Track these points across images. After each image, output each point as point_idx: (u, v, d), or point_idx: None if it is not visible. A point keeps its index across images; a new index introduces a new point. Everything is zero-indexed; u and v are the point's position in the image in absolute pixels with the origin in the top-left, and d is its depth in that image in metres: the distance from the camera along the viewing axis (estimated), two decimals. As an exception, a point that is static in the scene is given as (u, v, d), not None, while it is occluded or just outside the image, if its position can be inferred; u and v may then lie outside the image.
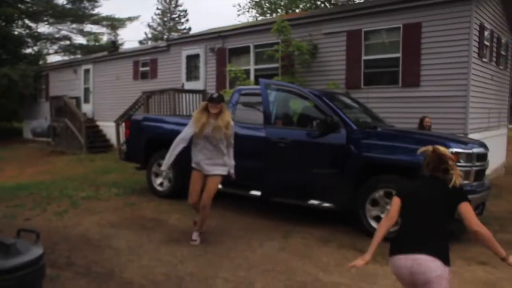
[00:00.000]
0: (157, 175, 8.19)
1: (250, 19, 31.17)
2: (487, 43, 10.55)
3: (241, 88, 7.94)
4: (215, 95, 5.50)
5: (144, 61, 16.14)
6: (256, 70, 12.51)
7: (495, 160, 10.12)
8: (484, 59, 10.33)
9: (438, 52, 9.55)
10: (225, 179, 5.84)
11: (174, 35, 38.26)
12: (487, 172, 6.57)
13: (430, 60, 9.67)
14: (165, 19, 51.43)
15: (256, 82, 11.25)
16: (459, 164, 5.60)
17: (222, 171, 5.58)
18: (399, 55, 10.08)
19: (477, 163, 5.87)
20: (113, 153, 14.53)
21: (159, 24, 51.27)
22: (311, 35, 11.27)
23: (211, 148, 5.48)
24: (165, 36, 43.57)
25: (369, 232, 5.92)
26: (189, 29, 49.64)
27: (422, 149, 3.15)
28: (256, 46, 12.51)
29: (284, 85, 7.26)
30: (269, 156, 6.53)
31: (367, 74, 10.60)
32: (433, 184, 3.10)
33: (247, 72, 12.26)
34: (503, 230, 6.60)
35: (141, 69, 16.28)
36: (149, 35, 50.11)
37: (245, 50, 12.79)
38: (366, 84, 10.56)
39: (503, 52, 12.39)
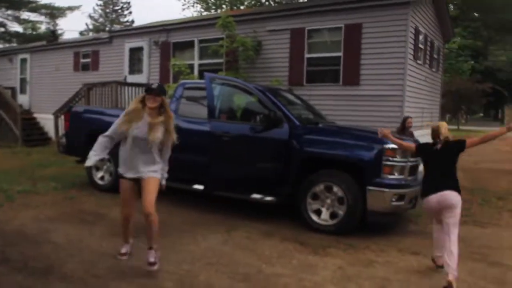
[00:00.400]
0: (97, 168, 8.03)
1: (195, 14, 30.98)
2: (422, 46, 11.09)
3: (185, 82, 7.93)
4: (155, 85, 4.46)
5: (85, 53, 15.69)
6: (200, 65, 12.51)
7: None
8: (418, 61, 10.86)
9: (377, 53, 9.95)
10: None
11: (117, 27, 37.31)
12: (420, 168, 6.92)
13: (370, 60, 10.05)
14: (107, 10, 50.12)
15: (200, 77, 11.27)
16: (395, 159, 5.90)
17: (159, 175, 4.63)
18: (340, 54, 10.41)
19: (411, 159, 6.19)
20: (51, 147, 14.02)
21: (101, 16, 49.89)
22: (256, 32, 11.41)
23: (142, 152, 4.47)
24: (107, 28, 42.43)
25: (310, 225, 6.15)
26: (132, 21, 48.67)
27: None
28: (200, 41, 12.49)
29: (229, 79, 7.32)
30: (213, 150, 6.57)
31: (309, 72, 10.87)
32: (440, 145, 4.75)
33: (191, 66, 12.24)
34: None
35: (82, 60, 15.82)
36: (90, 26, 48.63)
37: (189, 45, 12.74)
38: (308, 82, 10.81)
39: (435, 56, 13.06)
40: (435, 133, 4.85)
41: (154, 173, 4.53)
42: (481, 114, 60.40)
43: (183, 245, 5.36)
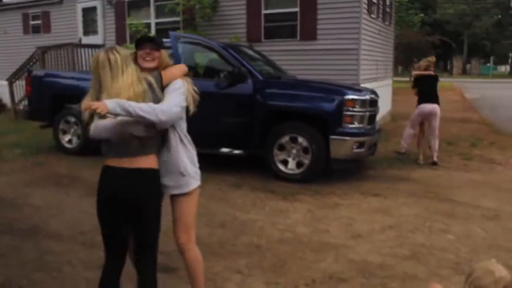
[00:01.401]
0: (65, 132, 8.05)
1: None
2: (375, 1, 11.38)
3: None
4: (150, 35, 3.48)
5: (35, 14, 15.09)
6: (157, 23, 12.36)
7: (382, 108, 11.14)
8: (372, 15, 11.16)
9: (333, 8, 10.15)
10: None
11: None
12: (377, 118, 7.35)
13: (326, 15, 10.26)
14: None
15: (158, 36, 11.18)
16: (355, 109, 6.26)
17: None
18: (297, 9, 10.55)
19: (370, 109, 6.58)
20: (7, 114, 13.70)
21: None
22: (212, -11, 11.35)
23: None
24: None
25: (278, 175, 6.50)
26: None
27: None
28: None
29: (193, 37, 7.42)
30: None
31: (267, 28, 10.98)
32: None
33: (148, 26, 12.08)
34: (391, 167, 7.51)
35: (31, 22, 15.23)
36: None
37: (145, 3, 12.50)
38: (266, 38, 10.95)
39: (387, 9, 13.41)
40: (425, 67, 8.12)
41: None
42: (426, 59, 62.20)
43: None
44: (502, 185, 6.47)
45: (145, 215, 2.62)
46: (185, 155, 2.85)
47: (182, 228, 2.90)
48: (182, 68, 2.89)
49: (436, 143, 7.87)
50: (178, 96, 2.68)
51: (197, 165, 2.95)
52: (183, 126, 2.86)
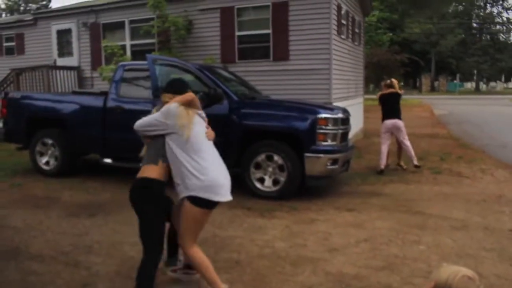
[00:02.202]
0: (42, 154, 8.05)
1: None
2: (344, 22, 11.78)
3: (124, 64, 8.04)
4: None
5: (8, 36, 15.06)
6: (132, 45, 12.51)
7: (355, 126, 11.45)
8: (342, 36, 11.55)
9: (304, 29, 10.50)
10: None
11: (32, 6, 35.43)
12: (349, 136, 7.61)
13: (297, 36, 10.59)
14: (20, -11, 47.34)
15: (134, 58, 11.35)
16: (327, 127, 6.49)
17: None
18: (269, 31, 10.85)
19: (342, 126, 6.82)
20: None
21: (13, -6, 47.03)
22: (187, 11, 11.58)
23: None
24: (21, 8, 40.14)
25: (254, 193, 6.65)
26: (49, 0, 46.28)
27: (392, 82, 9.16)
28: (131, 22, 12.48)
29: (170, 60, 7.58)
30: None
31: (241, 49, 11.25)
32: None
33: (123, 47, 12.21)
34: (364, 183, 7.75)
35: (5, 44, 15.19)
36: (3, 6, 45.79)
37: (120, 26, 12.67)
38: (240, 59, 11.20)
39: (357, 30, 13.88)
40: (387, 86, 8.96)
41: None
42: (402, 83, 63.61)
43: (138, 219, 5.67)
44: (470, 197, 6.77)
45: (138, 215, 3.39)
46: (181, 167, 3.31)
47: (179, 232, 3.49)
48: (179, 98, 3.49)
49: (410, 150, 8.75)
50: (148, 117, 3.52)
51: (200, 177, 3.29)
52: (179, 141, 3.34)
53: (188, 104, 3.49)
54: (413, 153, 8.79)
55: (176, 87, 3.61)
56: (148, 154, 3.47)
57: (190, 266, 3.76)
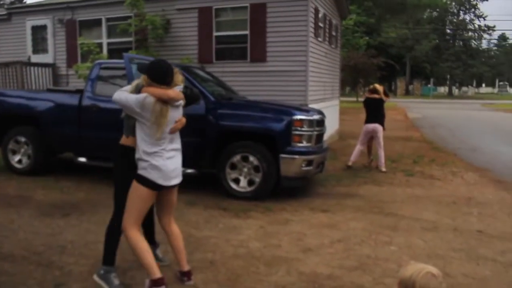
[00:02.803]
0: (14, 152, 7.91)
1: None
2: (321, 25, 11.91)
3: (101, 62, 7.95)
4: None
5: (-20, 30, 14.72)
6: (109, 43, 12.38)
7: (330, 128, 11.60)
8: (319, 39, 11.67)
9: (281, 31, 10.57)
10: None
11: (7, 0, 34.65)
12: (325, 137, 7.69)
13: (275, 38, 10.66)
14: (-7, -17, 46.24)
15: (110, 56, 11.24)
16: (303, 129, 6.55)
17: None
18: (247, 32, 10.89)
19: (317, 128, 6.90)
20: None
21: (-15, -11, 45.90)
22: (164, 10, 11.52)
23: None
24: (0, 2, 39.23)
25: (230, 193, 6.67)
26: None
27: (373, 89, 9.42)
28: (108, 19, 12.33)
29: (146, 59, 7.51)
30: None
31: (218, 49, 11.26)
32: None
33: (99, 45, 12.08)
34: (339, 184, 7.85)
35: (-23, 39, 14.84)
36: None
37: (96, 23, 12.51)
38: (218, 59, 11.21)
39: (333, 33, 14.03)
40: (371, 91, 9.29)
41: None
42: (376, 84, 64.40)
43: (113, 218, 5.63)
44: (441, 199, 6.92)
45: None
46: (140, 146, 3.51)
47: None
48: (158, 93, 3.43)
49: (382, 155, 9.09)
50: (126, 97, 3.50)
51: (144, 158, 3.49)
52: (146, 130, 3.45)
53: (165, 102, 3.43)
54: (383, 160, 9.15)
55: (155, 76, 3.45)
56: (125, 124, 3.70)
57: (184, 274, 3.84)
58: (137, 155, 3.55)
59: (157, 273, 3.50)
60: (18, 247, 4.64)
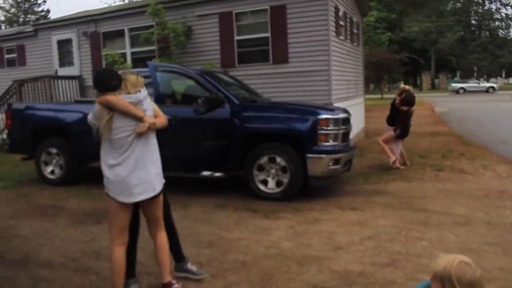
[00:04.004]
0: (46, 163, 8.14)
1: (117, 2, 30.27)
2: (342, 23, 11.86)
3: (125, 72, 8.11)
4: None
5: (10, 48, 15.18)
6: (132, 53, 12.61)
7: (356, 126, 11.53)
8: (340, 37, 11.63)
9: (302, 32, 10.57)
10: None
11: (32, 17, 35.59)
12: (351, 136, 7.67)
13: (296, 39, 10.67)
14: (19, 0, 47.52)
15: (135, 65, 11.45)
16: (328, 128, 6.56)
17: None
18: (268, 34, 10.93)
19: (343, 127, 6.89)
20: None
21: (12, 6, 47.18)
22: (185, 17, 11.67)
23: None
24: (20, 19, 40.35)
25: (258, 195, 6.72)
26: (48, 11, 46.56)
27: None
28: (130, 30, 12.57)
29: (171, 66, 7.68)
30: (163, 134, 6.92)
31: (240, 53, 11.33)
32: None
33: (123, 55, 12.33)
34: (367, 182, 7.81)
35: (6, 56, 15.32)
36: (2, 18, 46.04)
37: (119, 34, 12.77)
38: (240, 63, 11.29)
39: (355, 31, 13.96)
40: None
41: None
42: (402, 82, 63.66)
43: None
44: (473, 193, 6.82)
45: None
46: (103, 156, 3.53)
47: None
48: (100, 99, 3.44)
49: (388, 151, 9.06)
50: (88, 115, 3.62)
51: (105, 173, 3.50)
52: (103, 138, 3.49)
53: (107, 106, 3.40)
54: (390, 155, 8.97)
55: (95, 86, 3.54)
56: None
57: (164, 285, 3.72)
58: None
59: None
60: (55, 254, 4.79)
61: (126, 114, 3.40)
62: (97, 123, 3.46)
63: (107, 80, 3.46)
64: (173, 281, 3.72)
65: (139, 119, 3.44)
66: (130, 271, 3.77)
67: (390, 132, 9.07)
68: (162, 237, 3.76)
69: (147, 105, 3.57)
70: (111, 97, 3.38)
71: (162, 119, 3.70)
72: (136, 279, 3.87)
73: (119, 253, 3.53)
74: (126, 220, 3.57)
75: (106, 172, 3.47)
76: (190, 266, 4.11)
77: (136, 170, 3.44)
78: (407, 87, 9.08)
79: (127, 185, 3.41)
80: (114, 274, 3.52)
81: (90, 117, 3.58)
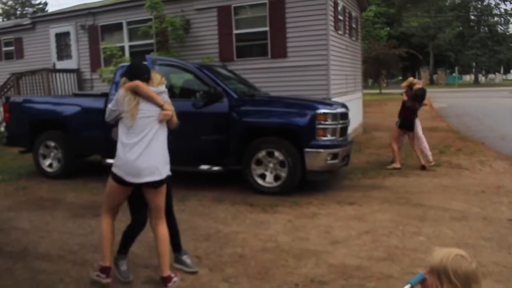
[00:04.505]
0: (45, 156, 8.14)
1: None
2: (341, 18, 11.85)
3: (124, 65, 8.10)
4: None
5: (7, 40, 15.12)
6: (130, 46, 12.58)
7: (354, 121, 11.54)
8: (339, 32, 11.62)
9: (301, 26, 10.56)
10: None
11: (29, 10, 35.44)
12: (349, 130, 7.68)
13: (294, 33, 10.65)
14: (16, -7, 47.29)
15: (132, 59, 11.41)
16: (327, 123, 6.57)
17: None
18: (267, 29, 10.92)
19: (341, 121, 6.90)
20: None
21: (9, -1, 46.96)
22: (184, 11, 11.64)
23: None
24: (18, 12, 40.15)
25: (256, 189, 6.74)
26: (45, 3, 46.30)
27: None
28: (129, 23, 12.53)
29: (169, 60, 7.66)
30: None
31: (239, 47, 11.31)
32: None
33: (121, 49, 12.28)
34: (365, 177, 7.84)
35: (4, 49, 15.26)
36: (-1, 11, 45.85)
37: (118, 27, 12.73)
38: (238, 57, 11.27)
39: (354, 25, 13.95)
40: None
41: None
42: (400, 78, 63.41)
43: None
44: (469, 189, 6.85)
45: None
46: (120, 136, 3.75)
47: None
48: (126, 85, 3.73)
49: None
50: (108, 107, 3.87)
51: (120, 155, 3.74)
52: (124, 123, 3.70)
53: (135, 92, 3.66)
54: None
55: (128, 73, 3.81)
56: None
57: (162, 279, 3.75)
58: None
59: (107, 262, 3.80)
60: (54, 247, 4.80)
61: (149, 99, 3.68)
62: (120, 108, 3.69)
63: (141, 72, 3.79)
64: (172, 275, 3.75)
65: (159, 106, 3.73)
66: (123, 250, 4.08)
67: (394, 128, 9.06)
68: (163, 229, 3.84)
69: (166, 99, 3.88)
70: (140, 83, 3.69)
71: (175, 118, 3.94)
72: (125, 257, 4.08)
73: (108, 223, 3.89)
74: (121, 201, 3.91)
75: (120, 151, 3.71)
76: (185, 258, 4.17)
77: (146, 154, 3.65)
78: (415, 80, 9.10)
79: (136, 167, 3.63)
80: (102, 240, 3.89)
81: (111, 105, 3.81)
